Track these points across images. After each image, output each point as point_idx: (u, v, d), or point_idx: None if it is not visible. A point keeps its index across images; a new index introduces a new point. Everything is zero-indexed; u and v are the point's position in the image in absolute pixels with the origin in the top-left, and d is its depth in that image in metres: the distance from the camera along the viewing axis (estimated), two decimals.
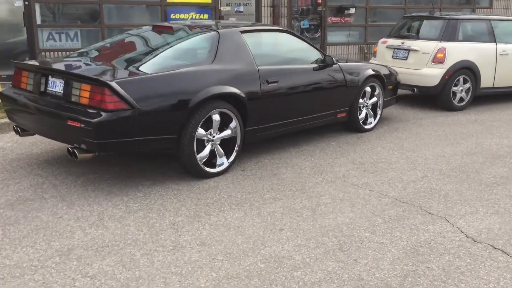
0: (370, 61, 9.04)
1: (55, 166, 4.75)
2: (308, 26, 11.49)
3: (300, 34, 10.87)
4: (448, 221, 3.72)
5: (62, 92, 4.18)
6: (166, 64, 4.34)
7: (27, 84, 4.54)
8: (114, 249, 3.21)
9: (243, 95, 4.64)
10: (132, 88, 3.93)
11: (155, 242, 3.30)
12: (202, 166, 4.45)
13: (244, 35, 4.98)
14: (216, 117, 4.48)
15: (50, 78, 4.30)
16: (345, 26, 11.83)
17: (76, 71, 4.19)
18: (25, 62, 4.83)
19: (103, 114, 3.80)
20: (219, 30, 4.88)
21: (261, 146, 5.61)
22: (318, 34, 11.61)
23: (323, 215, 3.79)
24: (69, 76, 4.13)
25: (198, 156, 4.42)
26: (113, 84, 3.83)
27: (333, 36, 11.72)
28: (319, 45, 11.92)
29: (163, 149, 4.27)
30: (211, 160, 4.61)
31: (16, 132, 4.75)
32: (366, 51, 12.02)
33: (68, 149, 4.01)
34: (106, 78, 3.92)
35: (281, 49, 5.65)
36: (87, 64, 4.64)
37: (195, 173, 4.48)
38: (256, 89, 4.79)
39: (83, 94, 3.98)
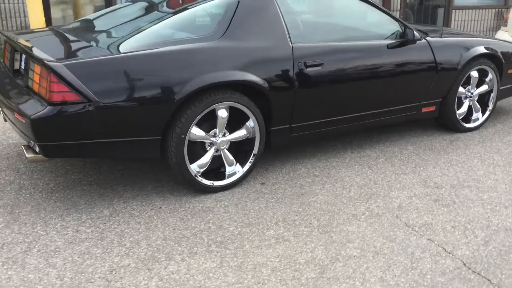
0: (499, 32, 7.00)
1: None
2: None
3: None
4: None
5: (23, 73, 3.31)
6: (151, 41, 3.21)
7: (7, 60, 3.75)
8: None
9: (264, 84, 3.36)
10: (88, 73, 2.89)
11: None
12: (199, 178, 3.32)
13: None
14: (222, 113, 3.29)
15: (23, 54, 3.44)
16: None
17: (30, 47, 3.24)
18: (1, 31, 4.01)
19: (47, 107, 2.84)
20: None
21: (310, 145, 4.29)
22: None
23: (333, 282, 2.47)
24: (26, 54, 3.22)
25: (193, 166, 3.30)
26: (59, 67, 2.82)
27: None
28: (443, 9, 9.84)
29: (143, 155, 3.21)
30: (220, 169, 3.46)
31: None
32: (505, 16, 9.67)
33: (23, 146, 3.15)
34: (54, 59, 2.92)
35: (336, 19, 4.18)
36: (62, 38, 3.65)
37: (191, 187, 3.38)
38: (286, 76, 3.47)
39: (35, 78, 3.05)
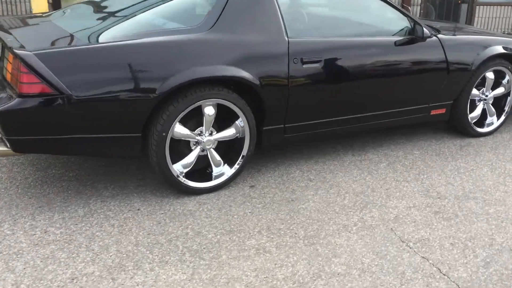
0: None
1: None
2: None
3: None
4: None
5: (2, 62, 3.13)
6: (134, 31, 3.00)
7: None
8: None
9: (255, 80, 3.13)
10: (61, 64, 2.69)
11: None
12: (181, 179, 3.11)
13: None
14: (208, 111, 3.07)
15: None
16: None
17: (6, 34, 3.05)
18: None
19: (15, 99, 2.65)
20: None
21: (308, 146, 4.05)
22: None
23: None
24: (1, 41, 3.04)
25: (176, 166, 3.09)
26: (29, 56, 2.63)
27: None
28: (467, 5, 9.43)
29: (122, 153, 3.02)
30: (206, 169, 3.25)
31: None
32: None
33: None
34: (27, 47, 2.73)
35: (338, 12, 3.90)
36: (46, 26, 3.44)
37: (174, 187, 3.18)
38: (281, 73, 3.23)
39: (8, 67, 2.87)
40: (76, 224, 2.83)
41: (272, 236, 2.76)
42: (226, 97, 3.08)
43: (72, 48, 2.76)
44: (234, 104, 3.12)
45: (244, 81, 3.10)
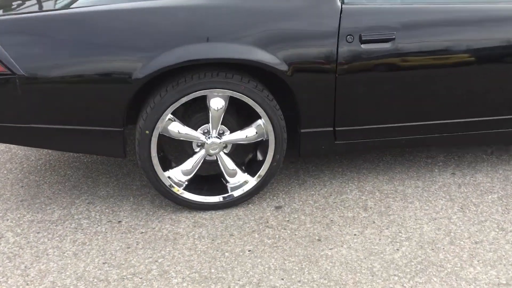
0: None
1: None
2: None
3: None
4: None
5: None
6: None
7: None
8: None
9: (280, 65, 2.19)
10: (11, 36, 2.11)
11: None
12: (175, 190, 2.38)
13: None
14: (216, 104, 2.26)
15: None
16: None
17: None
18: None
19: None
20: None
21: (390, 154, 2.97)
22: None
23: None
24: None
25: (173, 172, 2.37)
26: None
27: None
28: None
29: (100, 150, 2.39)
30: (221, 178, 2.47)
31: None
32: None
33: None
34: None
35: None
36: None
37: (169, 200, 2.46)
38: (323, 54, 2.23)
39: None
40: (38, 233, 2.32)
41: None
42: (236, 87, 2.21)
43: (24, 15, 2.16)
44: (250, 98, 2.25)
45: (264, 66, 2.19)
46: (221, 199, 2.44)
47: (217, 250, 2.18)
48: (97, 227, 2.36)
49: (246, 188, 2.44)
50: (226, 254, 2.16)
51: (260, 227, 2.33)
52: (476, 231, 2.27)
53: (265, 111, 2.28)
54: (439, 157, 2.94)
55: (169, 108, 2.21)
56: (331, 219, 2.38)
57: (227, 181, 2.45)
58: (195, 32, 2.14)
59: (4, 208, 2.50)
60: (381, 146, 2.58)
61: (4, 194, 2.64)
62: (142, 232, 2.31)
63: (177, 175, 2.39)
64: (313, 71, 2.25)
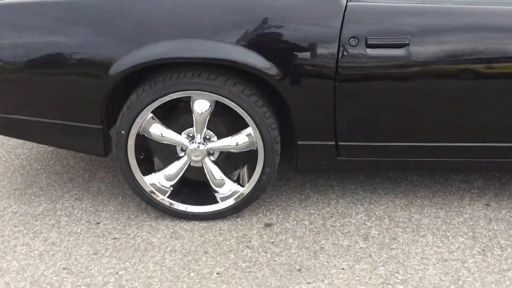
0: None
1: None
2: None
3: None
4: None
5: None
6: None
7: None
8: None
9: (269, 68, 1.92)
10: None
11: None
12: (156, 197, 2.20)
13: None
14: (199, 106, 2.04)
15: None
16: None
17: None
18: None
19: None
20: None
21: (416, 174, 2.58)
22: None
23: None
24: None
25: (150, 178, 2.19)
26: None
27: None
28: None
29: (82, 147, 2.26)
30: (208, 186, 2.26)
31: None
32: None
33: None
34: None
35: None
36: None
37: (151, 206, 2.29)
38: (321, 58, 1.91)
39: None
40: (16, 226, 2.26)
41: None
42: (219, 91, 1.97)
43: None
44: (234, 102, 2.00)
45: (248, 69, 1.93)
46: (202, 211, 2.22)
47: (184, 269, 1.98)
48: (74, 226, 2.25)
49: (230, 202, 2.21)
50: (192, 274, 1.95)
51: (240, 246, 2.09)
52: (492, 283, 1.87)
53: (252, 118, 2.02)
54: (476, 182, 2.51)
55: (146, 109, 2.02)
56: (322, 246, 2.08)
57: (215, 191, 2.24)
58: (171, 28, 1.92)
59: None
60: (394, 167, 2.23)
61: (2, 181, 2.62)
62: (115, 238, 2.17)
63: (160, 180, 2.21)
64: (306, 77, 1.95)
